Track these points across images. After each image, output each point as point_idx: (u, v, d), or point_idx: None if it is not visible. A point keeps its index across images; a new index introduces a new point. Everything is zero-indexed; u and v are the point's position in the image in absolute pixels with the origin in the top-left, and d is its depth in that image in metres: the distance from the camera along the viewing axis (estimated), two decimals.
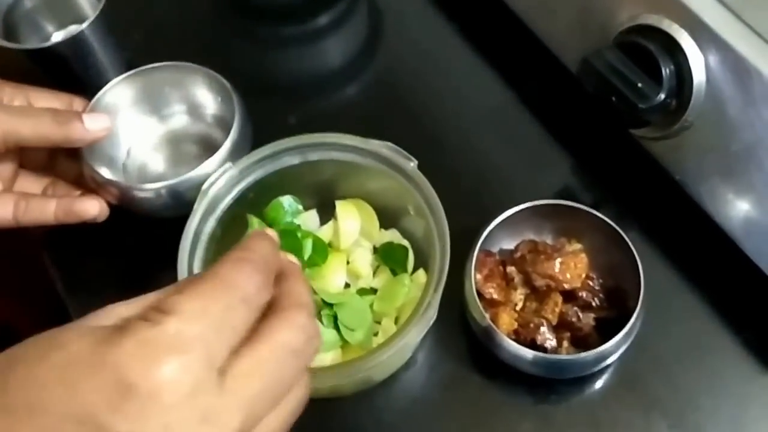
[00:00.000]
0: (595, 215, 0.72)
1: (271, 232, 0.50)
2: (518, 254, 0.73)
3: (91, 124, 0.73)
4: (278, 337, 0.42)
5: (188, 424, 0.37)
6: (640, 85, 0.65)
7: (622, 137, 0.76)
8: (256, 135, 0.79)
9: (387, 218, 0.78)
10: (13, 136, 0.69)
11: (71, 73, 0.85)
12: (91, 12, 0.84)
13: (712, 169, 0.69)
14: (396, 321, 0.73)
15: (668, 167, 0.74)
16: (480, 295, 0.70)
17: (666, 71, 0.65)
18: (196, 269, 0.68)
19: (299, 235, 0.74)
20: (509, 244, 0.75)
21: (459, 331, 0.74)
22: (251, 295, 0.43)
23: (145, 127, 0.85)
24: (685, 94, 0.65)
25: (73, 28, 0.86)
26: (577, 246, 0.73)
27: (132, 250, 0.82)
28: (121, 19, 0.87)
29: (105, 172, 0.77)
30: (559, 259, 0.70)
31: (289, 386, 0.43)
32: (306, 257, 0.74)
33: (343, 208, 0.77)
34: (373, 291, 0.75)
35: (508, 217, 0.72)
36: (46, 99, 0.76)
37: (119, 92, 0.82)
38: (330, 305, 0.72)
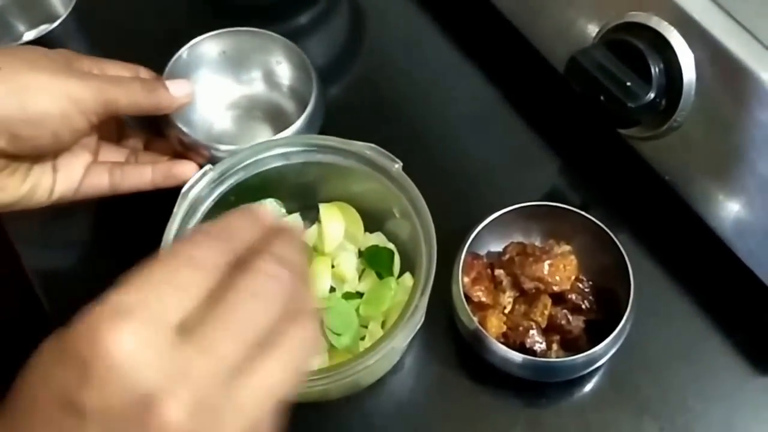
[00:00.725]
0: (584, 216, 0.71)
1: (260, 207, 0.49)
2: (506, 257, 0.73)
3: (176, 91, 0.75)
4: (235, 283, 0.42)
5: (149, 380, 0.37)
6: (628, 83, 0.65)
7: (610, 137, 0.76)
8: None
9: (372, 221, 0.77)
10: (112, 104, 0.69)
11: None
12: (63, 11, 0.84)
13: (702, 169, 0.69)
14: (383, 325, 0.73)
15: (658, 168, 0.73)
16: (468, 298, 0.70)
17: (655, 69, 0.64)
18: None
19: None
20: (497, 247, 0.74)
21: (447, 335, 0.74)
22: (199, 256, 0.42)
23: (219, 88, 0.86)
24: (675, 92, 0.65)
25: (44, 28, 0.85)
26: (566, 248, 0.72)
27: (111, 253, 0.81)
28: (94, 18, 0.86)
29: (185, 131, 0.78)
30: (548, 261, 0.70)
31: (265, 329, 0.42)
32: None
33: (326, 211, 0.76)
34: (359, 295, 0.74)
35: (496, 219, 0.72)
36: (117, 69, 0.76)
37: (198, 51, 0.83)
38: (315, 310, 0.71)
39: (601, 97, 0.66)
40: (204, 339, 0.39)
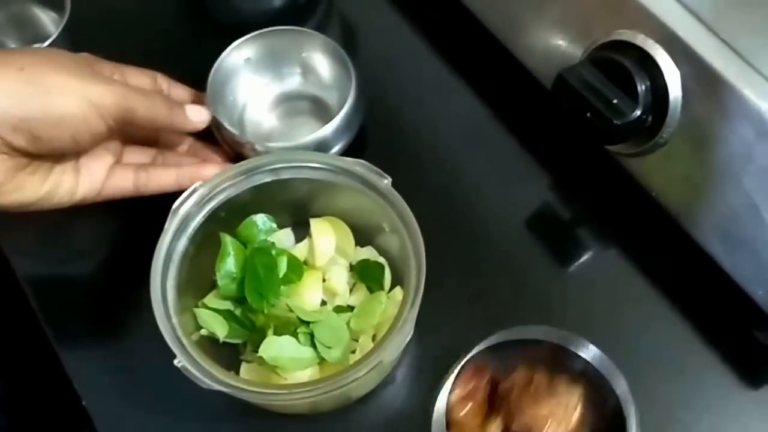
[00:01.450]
0: (587, 362, 0.66)
1: None
2: (509, 384, 0.66)
3: (193, 116, 0.76)
4: None
5: None
6: (615, 101, 0.65)
7: (599, 153, 0.76)
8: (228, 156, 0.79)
9: (363, 236, 0.77)
10: (130, 113, 0.70)
11: None
12: (54, 30, 0.84)
13: (688, 185, 0.69)
14: (374, 338, 0.73)
15: (644, 183, 0.73)
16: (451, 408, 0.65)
17: (641, 87, 0.65)
18: (170, 288, 0.68)
19: (274, 253, 0.73)
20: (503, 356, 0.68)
21: (438, 348, 0.74)
22: None
23: (261, 86, 0.89)
24: (661, 110, 0.65)
25: (36, 47, 0.85)
26: (575, 392, 0.65)
27: (104, 268, 0.82)
28: (84, 37, 0.86)
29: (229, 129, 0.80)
30: (548, 405, 0.63)
31: None
32: (281, 275, 0.73)
33: (317, 226, 0.77)
34: (350, 308, 0.75)
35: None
36: (137, 76, 0.78)
37: (240, 52, 0.85)
38: (306, 323, 0.71)
39: (588, 114, 0.66)
40: None
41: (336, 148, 0.80)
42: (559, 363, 0.66)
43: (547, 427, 0.62)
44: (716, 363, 0.74)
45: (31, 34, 0.90)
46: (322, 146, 0.79)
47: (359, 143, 0.83)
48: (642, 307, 0.76)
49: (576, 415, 0.64)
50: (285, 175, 0.73)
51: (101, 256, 0.81)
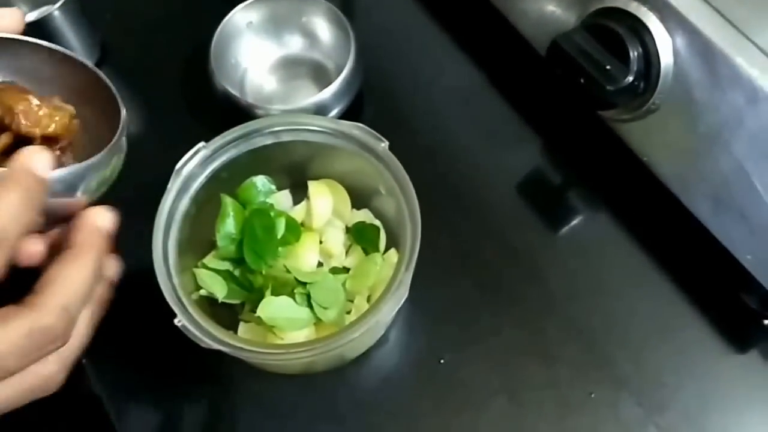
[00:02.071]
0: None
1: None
2: None
3: None
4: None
5: None
6: (608, 67, 0.66)
7: (591, 119, 0.77)
8: (229, 117, 0.80)
9: (359, 198, 0.78)
10: None
11: None
12: None
13: (678, 151, 0.70)
14: (368, 299, 0.74)
15: (636, 149, 0.74)
16: None
17: (634, 54, 0.65)
18: (171, 248, 0.69)
19: (272, 214, 0.74)
20: None
21: (430, 309, 0.75)
22: None
23: (263, 50, 0.92)
24: (653, 76, 0.66)
25: (46, 9, 0.86)
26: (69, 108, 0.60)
27: None
28: (93, 0, 0.87)
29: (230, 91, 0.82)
30: (26, 101, 0.57)
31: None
32: (279, 236, 0.74)
33: (315, 188, 0.78)
34: (346, 270, 0.76)
35: None
36: None
37: (243, 16, 0.88)
38: (303, 284, 0.72)
39: (581, 80, 0.67)
40: None
41: (335, 112, 0.82)
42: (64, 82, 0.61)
43: (17, 117, 0.57)
44: (704, 326, 0.75)
45: None
46: (321, 109, 0.80)
47: (357, 107, 0.85)
48: (631, 271, 0.77)
49: (59, 120, 0.59)
50: (285, 138, 0.73)
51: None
